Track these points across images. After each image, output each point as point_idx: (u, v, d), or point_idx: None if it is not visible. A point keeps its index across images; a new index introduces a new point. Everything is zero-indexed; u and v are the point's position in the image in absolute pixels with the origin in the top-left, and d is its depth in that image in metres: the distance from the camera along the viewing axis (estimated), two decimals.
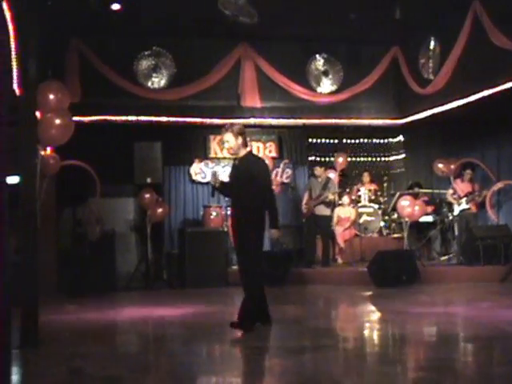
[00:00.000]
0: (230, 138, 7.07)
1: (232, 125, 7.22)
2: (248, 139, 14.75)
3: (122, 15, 12.37)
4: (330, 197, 12.78)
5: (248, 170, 7.04)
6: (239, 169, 7.15)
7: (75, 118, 9.24)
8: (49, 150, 9.88)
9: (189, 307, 9.34)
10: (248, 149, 7.27)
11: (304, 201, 13.08)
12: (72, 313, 9.37)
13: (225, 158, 13.99)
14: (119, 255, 12.17)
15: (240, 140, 7.10)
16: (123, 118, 13.74)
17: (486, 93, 11.90)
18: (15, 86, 7.16)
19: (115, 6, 12.13)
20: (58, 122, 8.47)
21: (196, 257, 11.81)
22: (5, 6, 6.93)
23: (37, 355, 6.03)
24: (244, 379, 5.18)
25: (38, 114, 7.76)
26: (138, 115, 13.82)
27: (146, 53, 14.03)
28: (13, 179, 6.23)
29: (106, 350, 6.34)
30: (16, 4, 5.99)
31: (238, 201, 7.13)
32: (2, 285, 2.36)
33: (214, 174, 7.43)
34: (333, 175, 14.16)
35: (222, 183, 7.31)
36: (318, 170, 13.03)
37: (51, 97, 8.51)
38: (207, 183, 8.23)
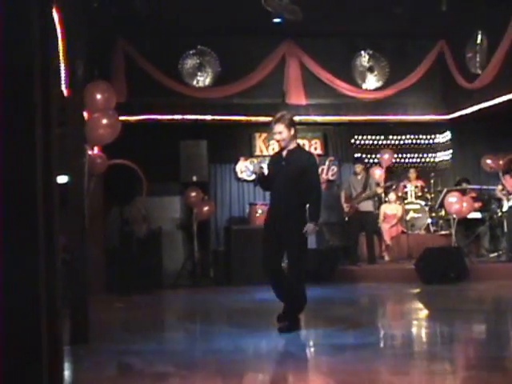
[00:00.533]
0: (282, 129, 6.72)
1: (283, 115, 6.83)
2: None
3: (167, 15, 12.45)
4: (379, 191, 12.88)
5: (301, 164, 6.74)
6: (288, 162, 6.78)
7: (121, 118, 9.33)
8: (96, 149, 9.99)
9: (235, 304, 9.37)
10: (295, 142, 6.93)
11: (343, 199, 13.03)
12: (120, 310, 9.48)
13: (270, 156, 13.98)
14: (166, 253, 12.27)
15: (292, 131, 6.78)
16: (169, 116, 13.83)
17: None
18: (63, 87, 7.26)
19: (160, 6, 12.21)
20: (104, 121, 8.56)
21: (242, 254, 11.84)
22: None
23: (87, 352, 6.11)
24: (291, 376, 5.18)
25: (85, 114, 7.87)
26: (183, 114, 13.90)
27: (191, 52, 14.11)
28: (61, 179, 6.33)
29: (154, 347, 6.39)
30: (63, 6, 6.07)
31: (283, 196, 6.72)
32: (53, 282, 2.40)
33: (260, 163, 7.19)
34: (379, 172, 14.07)
35: (264, 175, 6.95)
36: (359, 167, 13.01)
37: (98, 97, 8.60)
38: (253, 181, 8.01)
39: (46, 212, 2.33)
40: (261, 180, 6.97)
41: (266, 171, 7.11)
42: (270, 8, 11.44)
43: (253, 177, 7.87)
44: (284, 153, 6.87)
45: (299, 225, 6.67)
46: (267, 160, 13.87)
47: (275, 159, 7.07)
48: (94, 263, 10.16)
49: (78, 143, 6.73)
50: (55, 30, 6.57)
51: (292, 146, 6.84)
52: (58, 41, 6.38)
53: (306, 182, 6.72)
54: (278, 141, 6.94)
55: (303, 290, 6.84)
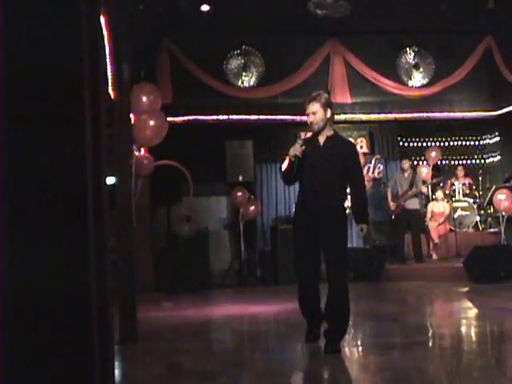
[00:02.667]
0: (318, 110, 5.81)
1: (320, 94, 5.91)
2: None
3: (212, 15, 12.51)
4: (424, 189, 12.80)
5: (346, 153, 5.89)
6: (330, 150, 5.88)
7: (167, 119, 9.39)
8: (143, 150, 10.08)
9: (282, 304, 9.36)
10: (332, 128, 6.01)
11: (389, 197, 12.96)
12: (168, 310, 9.54)
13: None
14: (213, 253, 12.31)
15: (329, 114, 5.86)
16: (214, 117, 13.89)
17: None
18: (110, 89, 7.34)
19: (205, 7, 12.29)
20: (152, 123, 8.63)
21: (288, 254, 11.77)
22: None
23: (136, 351, 6.18)
24: (339, 376, 5.15)
25: (131, 115, 7.95)
26: (228, 114, 13.94)
27: (236, 52, 14.14)
28: (109, 180, 6.40)
29: (202, 346, 6.43)
30: (110, 9, 6.14)
31: (324, 188, 5.81)
32: (104, 283, 2.43)
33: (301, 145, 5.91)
34: (426, 170, 13.93)
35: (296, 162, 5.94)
36: (406, 164, 12.93)
37: (144, 99, 8.68)
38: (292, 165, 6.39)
39: (96, 213, 2.36)
40: (291, 170, 6.01)
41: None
42: (316, 10, 11.41)
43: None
44: (321, 139, 5.94)
45: (342, 221, 5.92)
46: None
47: (307, 145, 5.93)
48: (141, 263, 10.27)
49: (126, 144, 6.79)
50: (102, 32, 6.65)
51: (329, 132, 5.93)
52: (104, 43, 6.45)
53: (350, 174, 5.92)
54: (310, 123, 5.91)
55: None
